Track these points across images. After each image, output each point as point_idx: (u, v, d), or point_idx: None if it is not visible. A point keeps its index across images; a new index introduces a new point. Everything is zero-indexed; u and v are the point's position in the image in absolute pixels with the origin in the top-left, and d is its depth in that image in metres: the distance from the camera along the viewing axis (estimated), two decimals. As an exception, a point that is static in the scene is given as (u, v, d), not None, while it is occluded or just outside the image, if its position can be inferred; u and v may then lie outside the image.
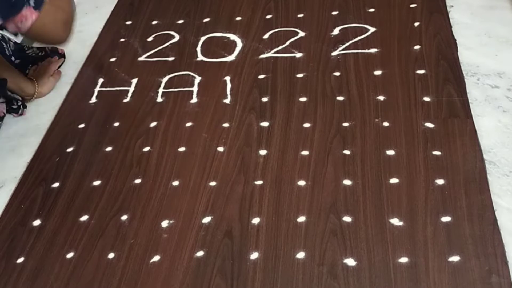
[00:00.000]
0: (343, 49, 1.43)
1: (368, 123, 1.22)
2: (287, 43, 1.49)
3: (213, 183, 1.15)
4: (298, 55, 1.45)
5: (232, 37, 1.56)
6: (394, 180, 1.09)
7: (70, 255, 1.07)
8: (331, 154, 1.16)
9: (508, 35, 1.39)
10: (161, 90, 1.42)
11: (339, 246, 0.99)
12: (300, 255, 0.99)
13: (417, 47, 1.39)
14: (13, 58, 1.50)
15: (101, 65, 1.54)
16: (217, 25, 1.62)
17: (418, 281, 0.92)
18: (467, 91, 1.25)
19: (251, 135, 1.24)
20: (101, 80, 1.49)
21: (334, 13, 1.57)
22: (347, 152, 1.16)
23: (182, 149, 1.25)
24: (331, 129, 1.22)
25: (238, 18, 1.62)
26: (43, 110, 1.44)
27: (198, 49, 1.53)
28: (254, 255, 1.00)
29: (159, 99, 1.40)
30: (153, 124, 1.33)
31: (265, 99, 1.33)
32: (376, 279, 0.93)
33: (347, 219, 1.03)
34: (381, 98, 1.27)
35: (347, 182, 1.10)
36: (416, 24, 1.47)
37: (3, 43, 1.48)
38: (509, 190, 1.04)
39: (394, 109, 1.24)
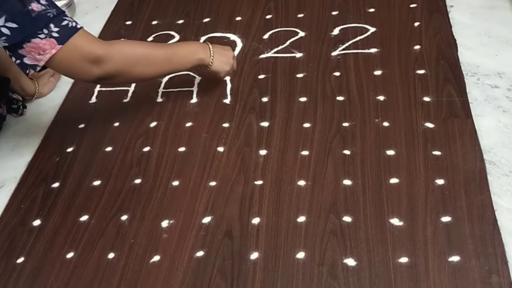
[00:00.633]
0: (343, 49, 1.43)
1: (368, 123, 1.22)
2: (287, 43, 1.49)
3: (213, 183, 1.15)
4: (298, 55, 1.45)
5: (232, 37, 1.56)
6: (394, 180, 1.09)
7: (70, 255, 1.06)
8: (331, 154, 1.16)
9: (508, 35, 1.39)
10: (161, 90, 1.42)
11: (339, 246, 0.99)
12: (300, 255, 0.99)
13: (417, 47, 1.39)
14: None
15: (101, 65, 1.54)
16: (217, 25, 1.62)
17: (418, 281, 0.92)
18: (467, 91, 1.25)
19: (251, 135, 1.24)
20: (101, 80, 1.49)
21: (334, 13, 1.57)
22: (347, 152, 1.16)
23: (182, 149, 1.24)
24: (331, 129, 1.22)
25: (238, 18, 1.62)
26: (43, 110, 1.44)
27: (198, 49, 1.53)
28: (254, 255, 1.00)
29: (159, 99, 1.39)
30: (153, 124, 1.32)
31: (265, 99, 1.33)
32: (376, 279, 0.93)
33: (347, 219, 1.03)
34: (381, 98, 1.27)
35: (347, 182, 1.10)
36: (416, 24, 1.47)
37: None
38: (509, 190, 1.04)
39: (394, 109, 1.24)
